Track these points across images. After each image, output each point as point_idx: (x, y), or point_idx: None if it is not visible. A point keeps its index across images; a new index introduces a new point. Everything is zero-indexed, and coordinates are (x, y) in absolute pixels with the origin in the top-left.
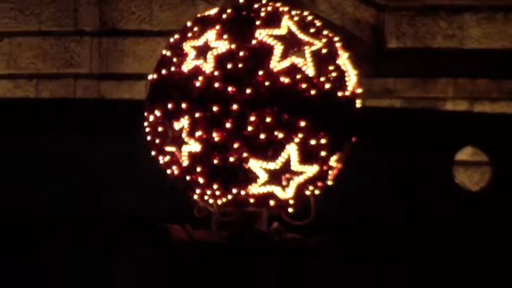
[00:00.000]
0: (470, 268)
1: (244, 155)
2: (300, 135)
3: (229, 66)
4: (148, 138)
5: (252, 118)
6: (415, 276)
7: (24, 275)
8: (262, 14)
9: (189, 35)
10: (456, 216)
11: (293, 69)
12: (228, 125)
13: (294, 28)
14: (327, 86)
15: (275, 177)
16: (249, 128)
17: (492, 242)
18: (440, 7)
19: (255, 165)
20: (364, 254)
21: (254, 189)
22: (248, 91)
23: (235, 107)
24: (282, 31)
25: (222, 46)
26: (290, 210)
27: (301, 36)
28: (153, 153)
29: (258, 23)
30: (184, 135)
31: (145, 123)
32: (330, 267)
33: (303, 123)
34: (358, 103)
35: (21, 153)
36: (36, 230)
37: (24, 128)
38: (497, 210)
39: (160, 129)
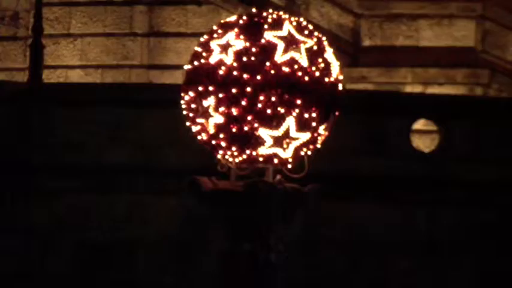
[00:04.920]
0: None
1: (255, 125)
2: (297, 110)
3: (244, 59)
4: (184, 112)
5: (262, 98)
6: (381, 211)
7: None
8: (269, 20)
9: (215, 35)
10: (408, 168)
11: (292, 61)
12: (243, 102)
13: (292, 30)
14: (317, 73)
15: (278, 141)
16: (259, 105)
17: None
18: (402, 15)
19: (264, 132)
20: (341, 197)
21: (263, 150)
22: (258, 77)
23: (249, 89)
24: (283, 33)
25: (239, 44)
26: (289, 166)
27: (298, 36)
28: (187, 123)
29: (266, 26)
30: (211, 110)
31: (182, 101)
32: (316, 206)
33: (299, 101)
34: (341, 86)
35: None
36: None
37: (94, 103)
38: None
39: (193, 106)
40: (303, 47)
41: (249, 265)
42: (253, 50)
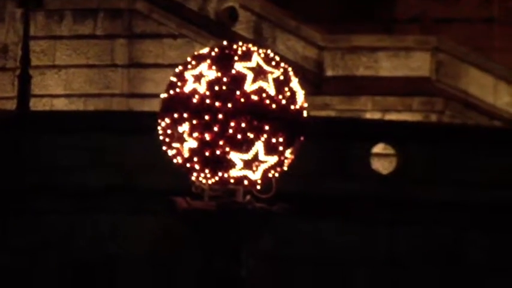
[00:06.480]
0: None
1: (227, 149)
2: (265, 136)
3: (216, 88)
4: (161, 137)
5: (232, 124)
6: (344, 229)
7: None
8: (239, 52)
9: (189, 66)
10: (367, 190)
11: (260, 90)
12: (215, 128)
13: (261, 62)
14: (284, 102)
15: (248, 164)
16: (230, 131)
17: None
18: (362, 47)
19: (234, 156)
20: (308, 215)
21: (234, 173)
22: (229, 105)
23: (220, 116)
24: (252, 64)
25: (212, 74)
26: (258, 187)
27: (266, 67)
28: (164, 148)
29: (236, 58)
30: (185, 135)
31: (159, 127)
32: (283, 223)
33: (267, 127)
34: (305, 113)
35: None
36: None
37: (78, 129)
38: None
39: (169, 131)
40: (270, 77)
41: (222, 279)
42: (225, 79)
